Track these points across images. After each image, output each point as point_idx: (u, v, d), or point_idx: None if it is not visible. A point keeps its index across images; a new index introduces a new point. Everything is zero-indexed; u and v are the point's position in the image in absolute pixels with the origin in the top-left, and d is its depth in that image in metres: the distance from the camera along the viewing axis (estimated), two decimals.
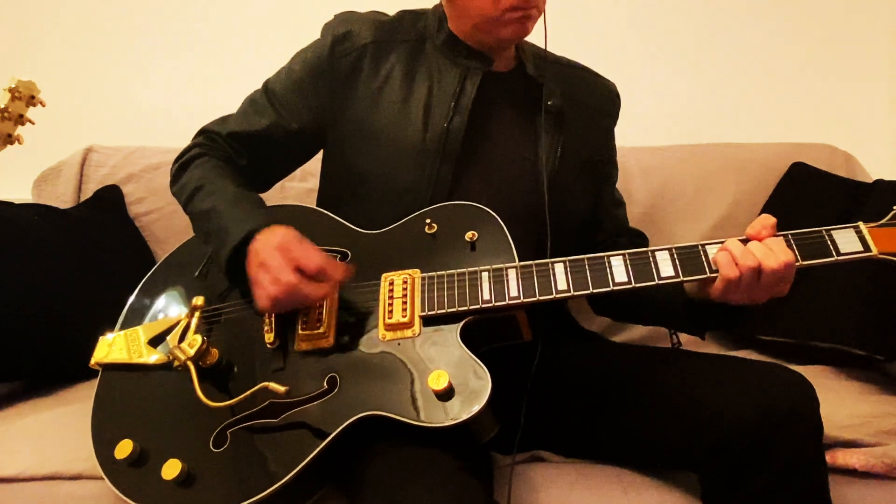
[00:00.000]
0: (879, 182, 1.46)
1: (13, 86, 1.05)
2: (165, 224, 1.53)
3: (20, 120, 1.07)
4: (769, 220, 0.81)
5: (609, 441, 0.93)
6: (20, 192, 1.58)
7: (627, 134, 1.68)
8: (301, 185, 1.54)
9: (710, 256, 0.81)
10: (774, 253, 0.77)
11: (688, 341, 1.50)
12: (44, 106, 1.09)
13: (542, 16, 0.99)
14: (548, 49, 1.08)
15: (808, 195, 1.51)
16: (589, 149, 1.09)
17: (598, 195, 1.13)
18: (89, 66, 1.81)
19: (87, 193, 1.55)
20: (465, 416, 0.74)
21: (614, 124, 1.17)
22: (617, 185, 1.59)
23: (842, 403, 1.10)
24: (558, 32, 1.81)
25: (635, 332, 1.48)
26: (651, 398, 0.88)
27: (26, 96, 1.07)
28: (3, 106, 1.04)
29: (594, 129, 1.11)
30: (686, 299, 0.90)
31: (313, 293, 0.82)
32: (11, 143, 1.07)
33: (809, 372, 1.22)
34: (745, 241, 0.81)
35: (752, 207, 1.56)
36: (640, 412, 0.88)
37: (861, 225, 0.79)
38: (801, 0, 1.87)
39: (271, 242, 0.84)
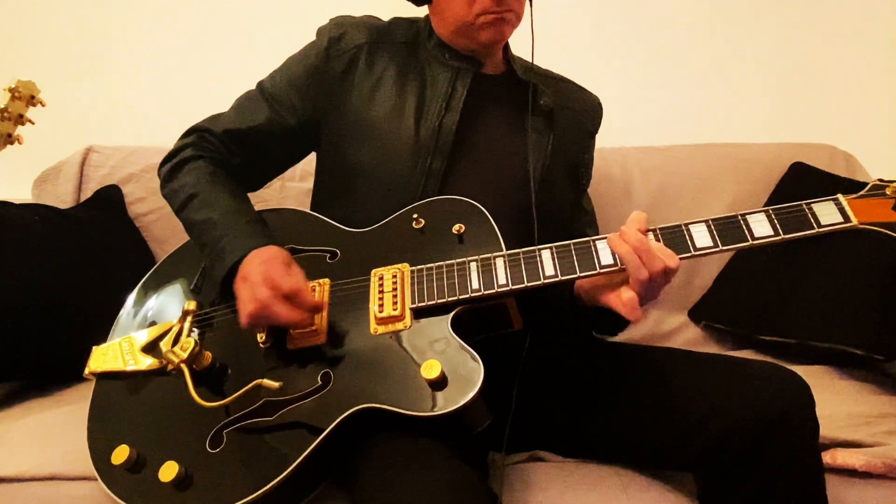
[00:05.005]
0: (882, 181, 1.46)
1: (13, 86, 1.05)
2: (165, 224, 1.53)
3: (20, 120, 1.07)
4: (642, 215, 0.82)
5: (605, 440, 0.93)
6: (20, 192, 1.58)
7: (628, 134, 1.69)
8: (301, 185, 1.55)
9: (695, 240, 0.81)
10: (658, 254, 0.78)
11: (686, 341, 1.51)
12: (44, 106, 1.09)
13: (531, 25, 1.03)
14: (547, 52, 1.11)
15: (808, 195, 1.50)
16: (574, 151, 1.13)
17: (576, 196, 1.16)
18: (89, 66, 1.81)
19: (87, 193, 1.55)
20: (459, 404, 0.75)
21: (596, 133, 1.21)
22: (617, 185, 1.61)
23: (842, 403, 1.10)
24: (557, 32, 1.81)
25: (634, 333, 1.48)
26: (646, 397, 0.88)
27: (26, 96, 1.07)
28: (3, 106, 1.04)
29: (580, 134, 1.15)
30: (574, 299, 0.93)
31: (284, 314, 0.82)
32: (11, 143, 1.08)
33: (809, 372, 1.23)
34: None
35: (752, 207, 1.54)
36: (635, 411, 0.88)
37: (840, 197, 0.80)
38: (801, 0, 1.87)
39: (257, 259, 0.87)
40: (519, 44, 1.13)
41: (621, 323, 0.91)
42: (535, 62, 1.14)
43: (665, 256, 0.78)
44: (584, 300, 0.90)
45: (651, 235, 0.82)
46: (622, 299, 0.79)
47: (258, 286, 0.83)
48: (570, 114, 1.12)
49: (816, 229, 0.79)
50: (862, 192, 0.81)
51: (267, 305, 0.82)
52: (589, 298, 0.89)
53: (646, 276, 0.77)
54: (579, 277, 0.83)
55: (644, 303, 0.80)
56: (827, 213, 0.79)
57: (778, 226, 0.79)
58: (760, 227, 0.80)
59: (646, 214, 0.82)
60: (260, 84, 1.08)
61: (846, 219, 0.78)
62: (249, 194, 1.07)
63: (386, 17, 1.11)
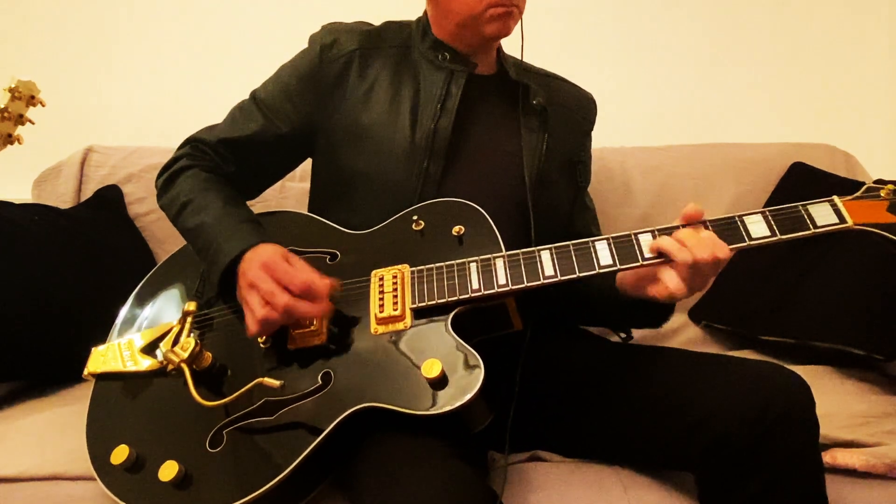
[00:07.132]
0: (879, 182, 1.46)
1: (13, 86, 1.05)
2: (165, 224, 1.50)
3: (20, 120, 1.07)
4: (697, 209, 0.82)
5: (605, 440, 0.94)
6: (20, 192, 1.58)
7: (627, 134, 1.69)
8: (301, 186, 1.54)
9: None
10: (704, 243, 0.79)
11: (686, 341, 1.51)
12: (44, 106, 1.09)
13: (520, 24, 1.03)
14: (547, 51, 1.13)
15: (808, 195, 1.50)
16: (569, 149, 1.13)
17: (575, 195, 1.16)
18: (89, 66, 1.82)
19: (87, 193, 1.55)
20: (459, 403, 0.75)
21: (591, 130, 1.21)
22: (617, 185, 1.61)
23: (842, 403, 1.10)
24: (558, 31, 1.81)
25: (634, 333, 1.48)
26: (647, 397, 0.88)
27: (26, 96, 1.06)
28: (3, 106, 1.04)
29: (574, 132, 1.15)
30: (617, 294, 0.92)
31: (309, 311, 0.82)
32: (11, 143, 1.07)
33: (809, 372, 1.23)
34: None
35: (752, 207, 1.53)
36: (635, 411, 0.88)
37: (836, 198, 0.82)
38: (801, 0, 1.87)
39: (256, 261, 0.86)
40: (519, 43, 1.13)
41: (662, 314, 0.93)
42: (532, 61, 1.14)
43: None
44: (629, 293, 0.90)
45: (649, 235, 0.83)
46: (664, 278, 0.79)
47: (275, 292, 0.82)
48: (564, 111, 1.12)
49: (812, 230, 0.80)
50: (857, 194, 0.82)
51: (291, 309, 0.81)
52: (633, 291, 0.88)
53: (689, 259, 0.78)
54: (578, 278, 0.83)
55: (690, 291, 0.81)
56: (823, 215, 0.80)
57: (774, 227, 0.81)
58: (757, 227, 0.81)
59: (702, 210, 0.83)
60: (253, 93, 1.09)
61: (841, 220, 0.80)
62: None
63: (382, 17, 1.11)
